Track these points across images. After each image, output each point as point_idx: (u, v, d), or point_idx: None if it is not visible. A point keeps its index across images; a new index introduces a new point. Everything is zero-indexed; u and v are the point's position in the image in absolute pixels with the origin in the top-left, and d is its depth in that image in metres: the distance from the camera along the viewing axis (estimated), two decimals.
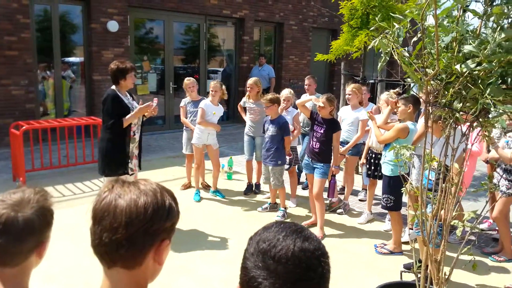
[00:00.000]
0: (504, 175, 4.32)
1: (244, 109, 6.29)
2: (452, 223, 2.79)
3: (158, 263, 1.06)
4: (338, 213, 5.54)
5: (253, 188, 6.23)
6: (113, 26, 8.86)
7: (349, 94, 5.50)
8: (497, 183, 4.36)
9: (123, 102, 4.45)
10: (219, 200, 5.88)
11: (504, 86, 2.48)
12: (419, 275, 2.82)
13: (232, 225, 5.04)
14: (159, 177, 6.66)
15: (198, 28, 10.72)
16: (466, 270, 4.08)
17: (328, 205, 5.58)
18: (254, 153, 6.08)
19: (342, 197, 5.77)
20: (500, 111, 2.38)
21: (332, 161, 4.89)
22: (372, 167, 5.20)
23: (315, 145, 4.84)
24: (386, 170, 4.41)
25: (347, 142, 5.49)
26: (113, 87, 4.45)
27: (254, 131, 6.02)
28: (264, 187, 6.08)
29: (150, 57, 10.17)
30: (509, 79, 2.45)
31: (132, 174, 4.63)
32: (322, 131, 4.81)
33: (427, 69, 2.54)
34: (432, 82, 2.64)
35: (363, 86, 6.08)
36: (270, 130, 5.29)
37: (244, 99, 6.19)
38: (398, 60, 2.54)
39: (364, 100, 5.94)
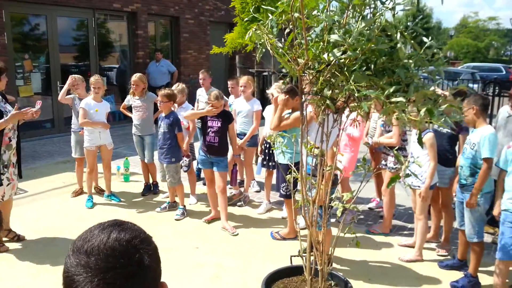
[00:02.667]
0: (390, 153, 4.60)
1: (130, 108, 5.98)
2: (333, 205, 2.92)
3: None
4: (239, 206, 5.57)
5: (151, 188, 6.02)
6: None
7: (243, 86, 5.53)
8: (385, 162, 4.67)
9: None
10: (115, 204, 5.58)
11: (369, 73, 2.64)
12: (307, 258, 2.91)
13: None
14: (46, 185, 6.14)
15: (86, 23, 10.06)
16: (360, 248, 4.33)
17: (229, 198, 5.58)
18: (145, 153, 5.86)
19: (242, 189, 5.82)
20: (371, 96, 2.52)
21: (231, 152, 4.93)
22: (267, 157, 5.29)
23: (214, 139, 4.81)
24: (284, 159, 4.50)
25: (244, 134, 5.53)
26: None
27: (141, 130, 5.77)
28: (163, 186, 5.89)
29: (32, 55, 9.29)
30: (373, 66, 2.61)
31: (8, 184, 4.20)
32: (218, 124, 4.81)
33: (299, 59, 2.61)
34: (307, 71, 2.73)
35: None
36: (162, 126, 5.14)
37: (128, 97, 5.90)
38: (270, 51, 2.57)
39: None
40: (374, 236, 4.71)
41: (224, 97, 6.11)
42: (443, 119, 2.47)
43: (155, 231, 4.85)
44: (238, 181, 5.86)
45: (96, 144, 5.45)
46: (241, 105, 5.65)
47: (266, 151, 5.33)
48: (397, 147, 4.48)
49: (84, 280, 0.82)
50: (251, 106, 5.53)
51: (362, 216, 5.28)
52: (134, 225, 0.94)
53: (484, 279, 3.79)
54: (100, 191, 5.90)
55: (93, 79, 5.44)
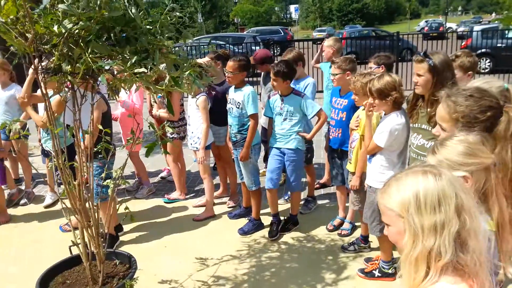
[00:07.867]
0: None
1: None
2: (106, 183, 2.81)
3: None
4: (22, 204, 4.96)
5: None
6: None
7: None
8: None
9: None
10: None
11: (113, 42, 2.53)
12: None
13: None
14: None
15: None
16: (157, 218, 4.39)
17: (8, 199, 4.91)
18: None
19: (22, 186, 5.18)
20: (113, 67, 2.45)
21: None
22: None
23: None
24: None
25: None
26: None
27: None
28: None
29: None
30: (113, 36, 2.52)
31: None
32: None
33: (27, 34, 2.34)
34: (41, 46, 2.47)
35: None
36: None
37: None
38: None
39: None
40: (172, 204, 4.81)
41: None
42: (190, 84, 2.58)
43: None
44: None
45: None
46: None
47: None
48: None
49: None
50: (10, 93, 4.83)
51: (156, 185, 5.33)
52: None
53: (267, 220, 4.23)
54: None
55: None
